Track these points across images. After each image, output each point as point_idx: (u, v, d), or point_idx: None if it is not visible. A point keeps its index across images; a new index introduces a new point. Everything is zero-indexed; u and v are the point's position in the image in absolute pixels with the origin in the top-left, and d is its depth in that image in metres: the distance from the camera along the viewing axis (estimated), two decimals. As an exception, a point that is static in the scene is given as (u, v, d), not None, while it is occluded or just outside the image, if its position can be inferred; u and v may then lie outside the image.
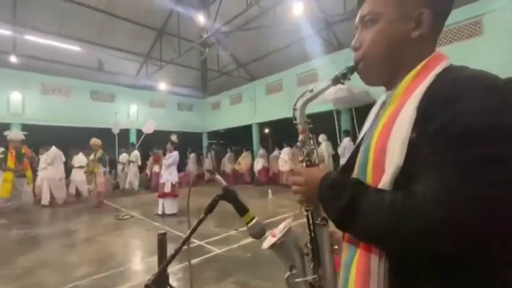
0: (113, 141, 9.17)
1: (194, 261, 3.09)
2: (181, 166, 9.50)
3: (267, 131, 14.92)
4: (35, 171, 6.98)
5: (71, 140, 8.68)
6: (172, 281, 2.61)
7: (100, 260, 3.26)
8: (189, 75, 14.50)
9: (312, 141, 0.73)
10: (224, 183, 0.80)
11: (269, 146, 10.09)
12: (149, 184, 9.71)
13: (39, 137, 7.62)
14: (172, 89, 13.02)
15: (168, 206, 5.50)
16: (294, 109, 0.73)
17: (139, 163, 9.51)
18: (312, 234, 0.71)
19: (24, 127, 8.26)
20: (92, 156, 6.70)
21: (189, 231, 0.76)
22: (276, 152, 10.18)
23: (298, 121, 0.73)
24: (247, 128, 11.71)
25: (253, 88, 11.65)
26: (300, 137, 0.73)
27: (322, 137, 8.19)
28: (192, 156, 11.62)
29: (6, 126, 7.96)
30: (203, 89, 14.32)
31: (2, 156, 6.20)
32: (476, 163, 0.42)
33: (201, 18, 9.70)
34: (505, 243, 0.41)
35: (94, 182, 6.59)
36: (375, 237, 0.51)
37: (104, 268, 2.99)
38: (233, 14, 8.52)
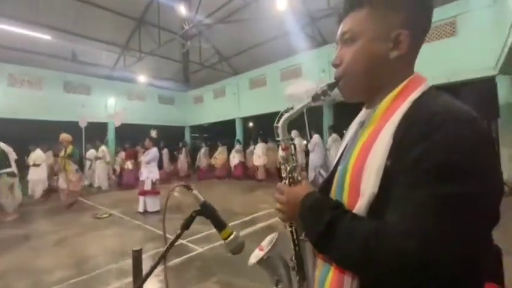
0: (89, 135, 8.76)
1: (175, 261, 3.05)
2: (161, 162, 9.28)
3: (251, 125, 14.92)
4: None
5: (40, 134, 8.14)
6: (154, 282, 2.58)
7: (76, 262, 3.13)
8: (170, 68, 14.09)
9: (293, 157, 0.73)
10: (202, 198, 0.78)
11: (251, 140, 10.09)
12: (121, 181, 9.29)
13: (4, 132, 7.08)
14: (152, 82, 12.61)
15: (150, 203, 5.38)
16: (276, 126, 0.73)
17: (108, 159, 9.05)
18: (296, 249, 0.73)
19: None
20: (62, 153, 6.32)
21: (165, 247, 0.74)
22: (252, 147, 10.28)
23: (280, 138, 0.72)
24: (232, 123, 11.63)
25: (237, 82, 11.53)
26: (282, 154, 0.73)
27: (294, 133, 8.47)
28: (165, 152, 11.15)
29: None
30: (185, 81, 13.98)
31: None
32: (445, 201, 0.43)
33: (182, 9, 9.40)
34: (472, 277, 0.45)
35: (66, 181, 6.24)
36: (349, 265, 0.52)
37: (81, 271, 2.88)
38: (216, 5, 8.33)
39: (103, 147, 8.97)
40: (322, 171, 7.76)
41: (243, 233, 3.97)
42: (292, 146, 0.74)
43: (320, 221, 0.55)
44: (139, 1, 11.07)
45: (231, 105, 11.58)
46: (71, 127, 7.76)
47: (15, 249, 3.68)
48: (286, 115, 0.72)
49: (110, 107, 11.04)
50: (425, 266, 0.41)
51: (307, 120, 7.13)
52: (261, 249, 0.76)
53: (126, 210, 5.64)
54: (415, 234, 0.42)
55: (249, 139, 9.98)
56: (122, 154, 9.47)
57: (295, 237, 0.71)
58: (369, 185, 0.51)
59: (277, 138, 0.73)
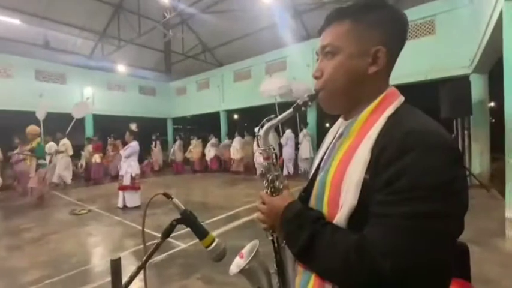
0: (63, 127, 8.30)
1: (157, 258, 3.03)
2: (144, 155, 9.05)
3: (236, 117, 14.83)
4: None
5: (9, 126, 7.64)
6: (135, 281, 2.55)
7: (53, 262, 3.03)
8: (151, 57, 13.62)
9: (275, 167, 0.74)
10: (182, 206, 0.78)
11: (235, 133, 10.08)
12: (88, 176, 8.89)
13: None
14: (133, 71, 12.18)
15: (129, 198, 5.27)
16: (258, 135, 0.73)
17: (71, 153, 8.42)
18: (278, 256, 0.74)
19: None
20: (28, 147, 5.95)
21: (144, 257, 0.74)
22: (226, 141, 10.36)
23: (262, 148, 0.73)
24: (216, 115, 11.50)
25: (221, 74, 11.37)
26: (264, 164, 0.73)
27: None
28: (158, 144, 11.09)
29: None
30: (167, 72, 13.59)
31: None
32: (417, 222, 0.46)
33: (164, -4, 9.03)
34: (441, 283, 0.50)
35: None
36: (329, 277, 0.55)
37: (58, 271, 2.79)
38: (199, -6, 8.07)
39: (65, 140, 8.28)
40: (290, 165, 8.56)
41: (227, 227, 4.00)
42: (274, 155, 0.75)
43: (301, 233, 0.57)
44: (117, -15, 10.53)
45: (215, 97, 11.43)
46: (45, 119, 7.36)
47: (-15, 249, 3.51)
48: (268, 124, 0.72)
49: (86, 97, 10.55)
50: (400, 283, 0.46)
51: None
52: (242, 257, 0.77)
53: (105, 206, 5.50)
54: (391, 255, 0.46)
55: (234, 132, 9.95)
56: (89, 147, 8.91)
57: (276, 245, 0.73)
58: (348, 197, 0.53)
59: (260, 147, 0.74)
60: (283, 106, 7.70)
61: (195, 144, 10.75)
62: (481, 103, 5.91)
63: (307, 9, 9.67)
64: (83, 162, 9.22)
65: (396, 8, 0.62)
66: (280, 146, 8.42)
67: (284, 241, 0.69)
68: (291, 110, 0.69)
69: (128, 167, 5.29)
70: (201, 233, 0.77)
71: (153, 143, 10.77)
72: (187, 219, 0.76)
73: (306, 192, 0.72)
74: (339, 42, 0.62)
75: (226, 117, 11.60)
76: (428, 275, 0.47)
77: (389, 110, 0.58)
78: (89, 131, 10.37)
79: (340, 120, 0.74)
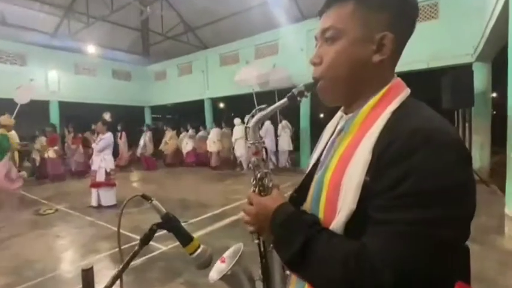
0: (27, 116, 7.96)
1: (136, 261, 3.01)
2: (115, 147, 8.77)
3: (222, 106, 14.69)
4: None
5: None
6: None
7: (16, 268, 2.95)
8: (126, 37, 13.17)
9: (265, 163, 0.73)
10: (163, 210, 0.76)
11: (223, 123, 10.01)
12: (43, 172, 8.39)
13: None
14: (104, 53, 11.75)
15: (104, 196, 5.17)
16: (247, 127, 0.72)
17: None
18: (263, 261, 0.74)
19: None
20: None
21: (120, 266, 0.72)
22: (202, 132, 10.34)
23: (250, 141, 0.72)
24: (200, 103, 11.34)
25: (206, 58, 11.18)
26: (253, 159, 0.72)
27: (236, 121, 9.07)
28: (149, 134, 10.55)
29: None
30: (144, 54, 13.22)
31: None
32: (422, 229, 0.46)
33: (140, -33, 8.69)
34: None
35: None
36: (324, 286, 0.55)
37: (22, 279, 2.72)
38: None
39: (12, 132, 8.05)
40: (273, 158, 8.85)
41: (213, 227, 4.01)
42: (264, 150, 0.74)
43: (294, 240, 0.56)
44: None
45: (198, 83, 11.26)
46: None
47: None
48: (258, 115, 0.71)
49: (52, 82, 10.15)
50: None
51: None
52: (223, 261, 0.77)
53: (76, 205, 5.38)
54: (394, 266, 0.46)
55: (220, 122, 9.89)
56: (42, 139, 8.31)
57: (262, 249, 0.72)
58: (347, 201, 0.53)
59: (248, 141, 0.72)
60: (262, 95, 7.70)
61: (171, 135, 10.60)
62: (483, 94, 6.09)
63: (301, -13, 9.58)
64: (36, 156, 8.62)
65: None
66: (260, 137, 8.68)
67: (273, 246, 0.68)
68: (285, 99, 0.68)
69: (102, 161, 5.17)
70: (184, 238, 0.76)
71: (119, 134, 10.21)
72: (169, 223, 0.75)
73: (299, 193, 0.71)
74: (342, 25, 0.60)
75: (212, 106, 11.47)
76: (433, 284, 0.47)
77: (394, 104, 0.57)
78: (55, 120, 10.02)
79: (339, 113, 0.73)
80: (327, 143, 0.72)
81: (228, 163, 9.55)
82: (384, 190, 0.49)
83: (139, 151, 10.47)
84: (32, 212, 4.99)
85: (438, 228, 0.46)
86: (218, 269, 0.77)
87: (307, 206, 0.65)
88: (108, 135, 5.23)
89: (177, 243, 0.75)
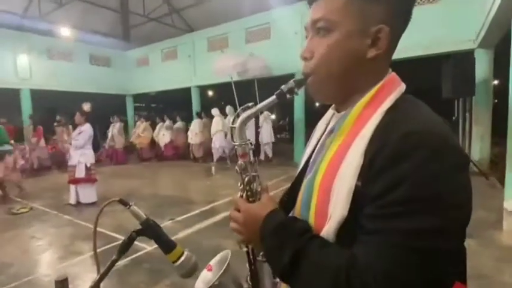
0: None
1: (119, 263, 3.00)
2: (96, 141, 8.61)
3: (211, 94, 14.54)
4: None
5: None
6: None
7: (-13, 272, 2.92)
8: (104, 19, 12.83)
9: (252, 166, 0.72)
10: (143, 215, 0.75)
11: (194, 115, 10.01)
12: None
13: None
14: (81, 36, 11.43)
15: (84, 193, 5.13)
16: (233, 127, 0.71)
17: None
18: (252, 268, 0.74)
19: None
20: None
21: (97, 276, 0.72)
22: (179, 124, 10.33)
23: (237, 142, 0.71)
24: (187, 91, 11.21)
25: (192, 41, 11.00)
26: (240, 162, 0.71)
27: (215, 111, 9.24)
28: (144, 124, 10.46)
29: None
30: (125, 38, 12.93)
31: None
32: (416, 238, 0.46)
33: None
34: None
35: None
36: None
37: (-6, 284, 2.70)
38: None
39: None
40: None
41: (202, 225, 4.02)
42: (251, 152, 0.73)
43: (285, 250, 0.56)
44: None
45: (184, 70, 11.11)
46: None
47: None
48: (244, 114, 0.70)
49: (22, 68, 9.84)
50: None
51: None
52: (210, 270, 0.77)
53: (52, 202, 5.33)
54: (386, 279, 0.46)
55: (208, 111, 9.84)
56: None
57: (251, 257, 0.72)
58: (338, 207, 0.53)
59: (234, 143, 0.72)
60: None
61: (144, 127, 10.50)
62: (485, 82, 6.19)
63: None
64: None
65: None
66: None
67: (262, 257, 0.68)
68: (274, 97, 0.67)
69: (81, 155, 5.09)
70: (166, 245, 0.76)
71: (116, 125, 10.29)
72: (150, 229, 0.75)
73: (290, 196, 0.72)
74: (336, 16, 0.59)
75: (199, 94, 11.35)
76: None
77: (387, 103, 0.57)
78: (27, 110, 9.77)
79: (330, 111, 0.73)
80: (317, 142, 0.72)
81: (211, 154, 9.58)
82: (374, 197, 0.49)
83: (107, 144, 10.35)
84: (3, 211, 4.91)
85: (431, 238, 0.46)
86: (204, 279, 0.78)
87: (297, 210, 0.66)
88: (88, 127, 5.14)
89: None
